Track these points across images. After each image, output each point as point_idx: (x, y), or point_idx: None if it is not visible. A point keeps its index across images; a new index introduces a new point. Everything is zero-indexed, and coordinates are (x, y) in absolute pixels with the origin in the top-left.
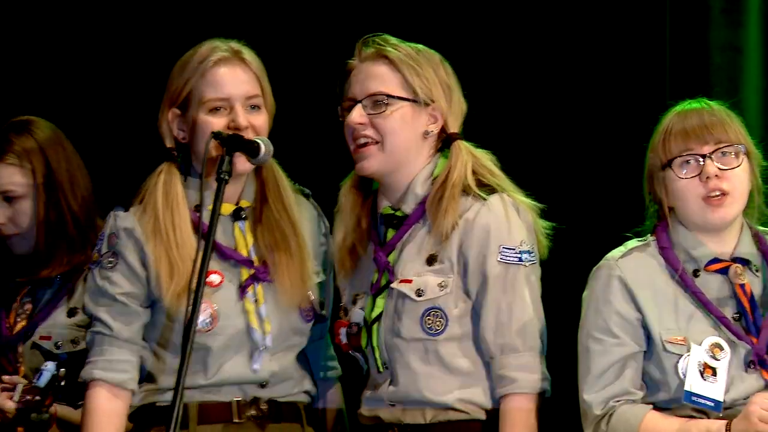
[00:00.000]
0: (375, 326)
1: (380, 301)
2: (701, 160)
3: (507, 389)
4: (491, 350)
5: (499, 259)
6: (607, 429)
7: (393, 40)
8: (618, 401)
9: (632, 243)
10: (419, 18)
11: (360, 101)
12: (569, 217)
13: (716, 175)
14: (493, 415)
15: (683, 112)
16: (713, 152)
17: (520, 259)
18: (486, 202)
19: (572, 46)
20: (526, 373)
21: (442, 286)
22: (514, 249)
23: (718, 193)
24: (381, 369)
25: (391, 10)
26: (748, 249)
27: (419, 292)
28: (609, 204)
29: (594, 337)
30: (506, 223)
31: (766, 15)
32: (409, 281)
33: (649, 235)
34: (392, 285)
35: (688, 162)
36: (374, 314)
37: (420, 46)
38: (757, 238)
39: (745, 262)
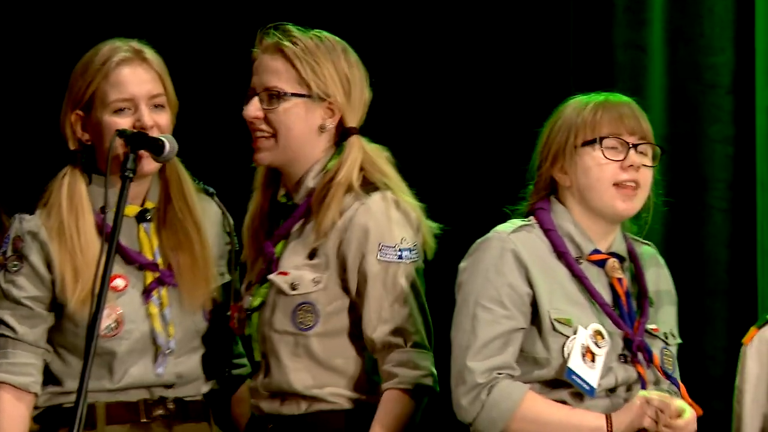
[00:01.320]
0: (254, 315)
1: (262, 291)
2: (628, 148)
3: (387, 384)
4: (374, 347)
5: (379, 258)
6: (486, 399)
7: (294, 30)
8: (501, 374)
9: (517, 221)
10: (320, 12)
11: (258, 93)
12: (458, 218)
13: (636, 167)
14: (366, 406)
15: (612, 99)
16: (638, 144)
17: (401, 257)
18: (367, 200)
19: (476, 44)
20: (407, 369)
21: (316, 282)
22: (393, 247)
23: (633, 184)
24: (257, 358)
25: (294, 4)
26: (623, 247)
27: (293, 286)
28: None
29: (483, 305)
30: (386, 221)
31: (669, 14)
32: (286, 274)
33: (531, 216)
34: (270, 276)
35: (614, 147)
36: (255, 304)
37: (324, 34)
38: (626, 239)
39: (620, 259)
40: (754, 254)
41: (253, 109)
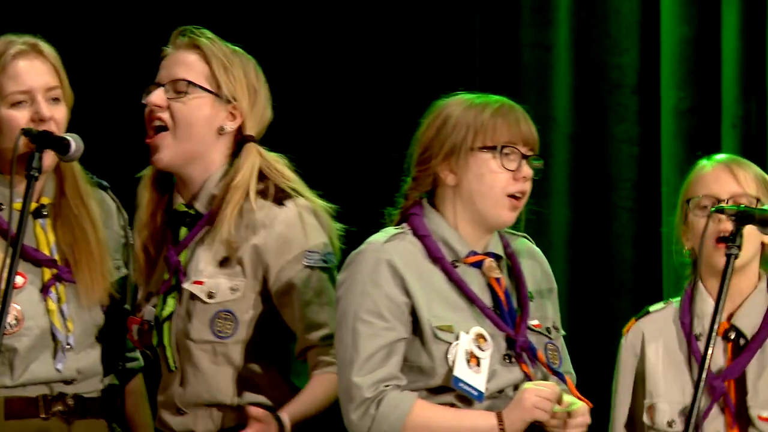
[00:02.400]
0: (166, 325)
1: (171, 301)
2: (522, 159)
3: (317, 371)
4: (306, 351)
5: (304, 263)
6: (376, 413)
7: (211, 34)
8: (387, 385)
9: (390, 230)
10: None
11: (163, 85)
12: (363, 219)
13: (528, 179)
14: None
15: (508, 105)
16: (531, 156)
17: (325, 261)
18: (283, 207)
19: (382, 44)
20: None
21: (233, 290)
22: (317, 252)
23: (521, 195)
24: (172, 368)
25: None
26: (499, 246)
27: (210, 294)
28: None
29: (362, 319)
30: (306, 228)
31: (575, 14)
32: (201, 283)
33: (404, 224)
34: (183, 285)
35: (509, 155)
36: (165, 313)
37: (239, 48)
38: (501, 236)
39: (497, 258)
40: (659, 253)
41: (157, 96)
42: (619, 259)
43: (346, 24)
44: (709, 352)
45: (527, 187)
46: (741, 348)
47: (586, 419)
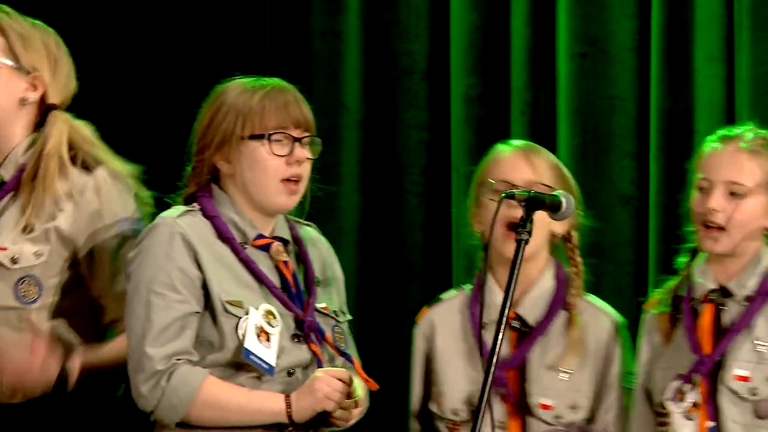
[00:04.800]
0: None
1: None
2: (295, 143)
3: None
4: (114, 321)
5: (114, 232)
6: (167, 386)
7: (8, 9)
8: (180, 359)
9: (181, 207)
10: None
11: None
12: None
13: (301, 162)
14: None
15: (277, 88)
16: (304, 138)
17: (134, 229)
18: (92, 174)
19: (170, 29)
20: None
21: (37, 255)
22: (127, 220)
23: (297, 179)
24: None
25: None
26: (286, 230)
27: (14, 260)
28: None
29: (156, 291)
30: (115, 196)
31: (365, 1)
32: (4, 249)
33: (194, 203)
34: None
35: (279, 141)
36: None
37: (39, 22)
38: (288, 222)
39: (284, 242)
40: (449, 238)
41: None
42: (409, 244)
43: (141, 9)
44: (498, 342)
45: (302, 170)
46: (524, 336)
47: (364, 407)
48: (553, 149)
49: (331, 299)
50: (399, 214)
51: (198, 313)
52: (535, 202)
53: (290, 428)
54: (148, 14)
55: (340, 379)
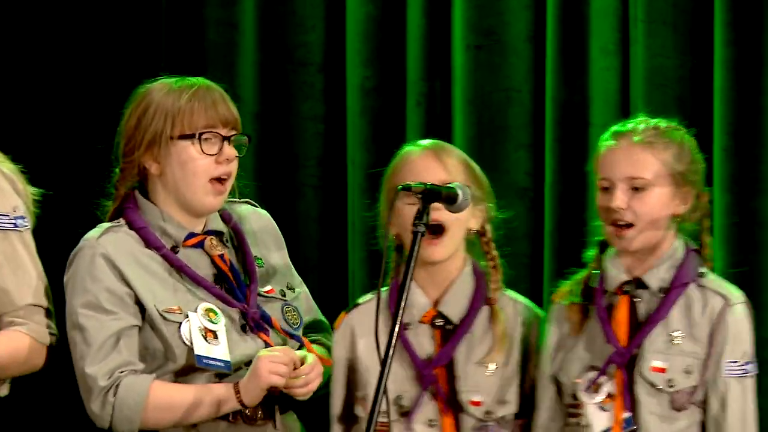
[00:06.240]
0: None
1: None
2: (224, 141)
3: (16, 327)
4: (14, 316)
5: None
6: (115, 400)
7: None
8: (122, 372)
9: (104, 225)
10: None
11: None
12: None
13: (231, 160)
14: None
15: (204, 87)
16: (232, 136)
17: (16, 225)
18: None
19: (63, 23)
20: (37, 324)
21: None
22: (7, 216)
23: (226, 177)
24: None
25: None
26: (218, 221)
27: None
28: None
29: (86, 315)
30: None
31: None
32: None
33: (120, 218)
34: None
35: (209, 140)
36: None
37: None
38: (222, 211)
39: (218, 235)
40: (345, 230)
41: None
42: (306, 237)
43: (31, 6)
44: (393, 341)
45: (231, 168)
46: (449, 334)
47: (318, 369)
48: (449, 141)
49: (277, 277)
50: (295, 207)
51: (135, 326)
52: (431, 194)
53: (247, 411)
54: (40, 5)
55: (283, 353)
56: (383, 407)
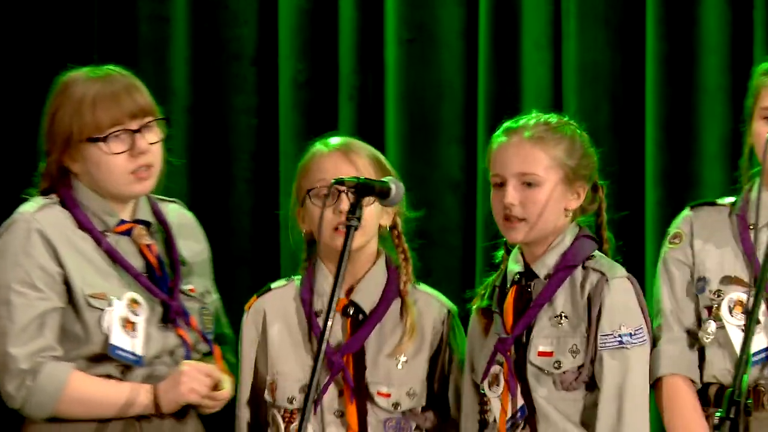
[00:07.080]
0: None
1: None
2: (135, 134)
3: None
4: None
5: None
6: (33, 384)
7: None
8: (44, 356)
9: (40, 200)
10: None
11: None
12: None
13: (146, 151)
14: None
15: (109, 82)
16: (143, 126)
17: None
18: None
19: None
20: None
21: None
22: None
23: (146, 167)
24: None
25: None
26: (148, 212)
27: None
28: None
29: (15, 290)
30: None
31: None
32: None
33: (53, 194)
34: None
35: (118, 136)
36: None
37: None
38: (151, 202)
39: (146, 225)
40: (278, 224)
41: None
42: (238, 230)
43: None
44: (329, 326)
45: (150, 157)
46: (360, 323)
47: (230, 394)
48: (381, 135)
49: (199, 280)
50: (227, 200)
51: (60, 308)
52: (364, 188)
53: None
54: None
55: (207, 374)
56: (291, 393)
